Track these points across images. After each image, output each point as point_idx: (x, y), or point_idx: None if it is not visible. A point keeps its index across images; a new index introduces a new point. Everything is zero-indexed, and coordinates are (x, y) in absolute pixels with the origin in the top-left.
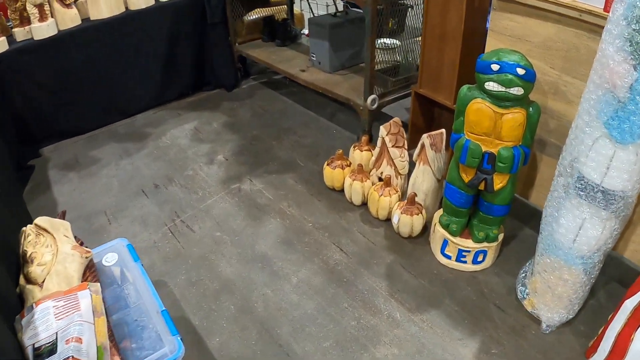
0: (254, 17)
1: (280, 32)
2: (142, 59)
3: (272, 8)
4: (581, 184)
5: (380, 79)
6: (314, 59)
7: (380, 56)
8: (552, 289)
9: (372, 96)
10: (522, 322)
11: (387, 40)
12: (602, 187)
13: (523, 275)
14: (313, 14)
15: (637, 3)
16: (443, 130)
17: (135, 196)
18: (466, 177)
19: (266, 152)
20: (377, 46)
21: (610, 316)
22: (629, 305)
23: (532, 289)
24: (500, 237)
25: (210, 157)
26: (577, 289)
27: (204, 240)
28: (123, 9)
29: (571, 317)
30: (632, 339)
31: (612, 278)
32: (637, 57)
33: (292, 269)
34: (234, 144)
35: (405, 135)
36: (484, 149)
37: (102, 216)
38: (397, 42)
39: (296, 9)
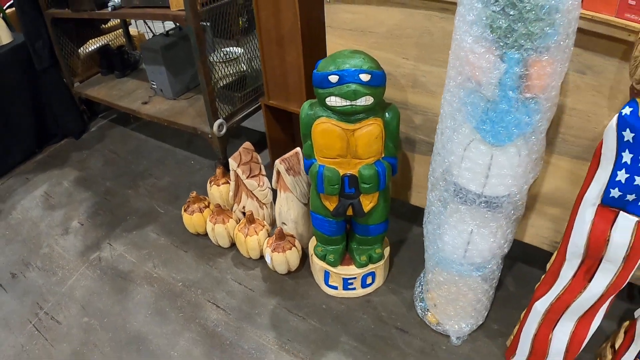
0: (88, 49)
1: (118, 61)
2: None
3: (105, 36)
4: (460, 197)
5: (226, 97)
6: (155, 86)
7: (223, 70)
8: (453, 302)
9: (218, 121)
10: (430, 340)
11: (228, 49)
12: (485, 196)
13: (419, 289)
14: (153, 33)
15: None
16: (298, 149)
17: None
18: (330, 205)
19: (122, 206)
20: (216, 59)
21: (522, 315)
22: (539, 307)
23: (431, 304)
24: (387, 252)
25: (65, 225)
26: (480, 297)
27: (72, 332)
28: None
29: (481, 322)
30: (550, 339)
31: (515, 259)
32: (502, 45)
33: (170, 343)
34: (87, 204)
35: (259, 160)
36: (341, 172)
37: None
38: (240, 49)
39: (133, 30)
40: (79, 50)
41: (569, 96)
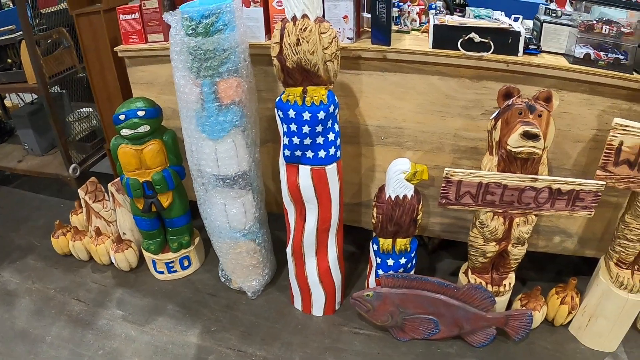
0: None
1: None
2: None
3: None
4: (206, 179)
5: (81, 147)
6: (27, 147)
7: (79, 126)
8: (237, 264)
9: (72, 165)
10: (234, 298)
11: (82, 110)
12: (221, 175)
13: (221, 262)
14: (25, 102)
15: (183, 41)
16: None
17: None
18: (140, 206)
19: (8, 245)
20: (73, 119)
21: None
22: (288, 252)
23: (227, 269)
24: (197, 240)
25: None
26: (256, 256)
27: None
28: None
29: (268, 278)
30: (306, 275)
31: None
32: (195, 76)
33: (46, 330)
34: None
35: (103, 189)
36: (141, 180)
37: None
38: (90, 109)
39: (8, 102)
40: None
41: None
